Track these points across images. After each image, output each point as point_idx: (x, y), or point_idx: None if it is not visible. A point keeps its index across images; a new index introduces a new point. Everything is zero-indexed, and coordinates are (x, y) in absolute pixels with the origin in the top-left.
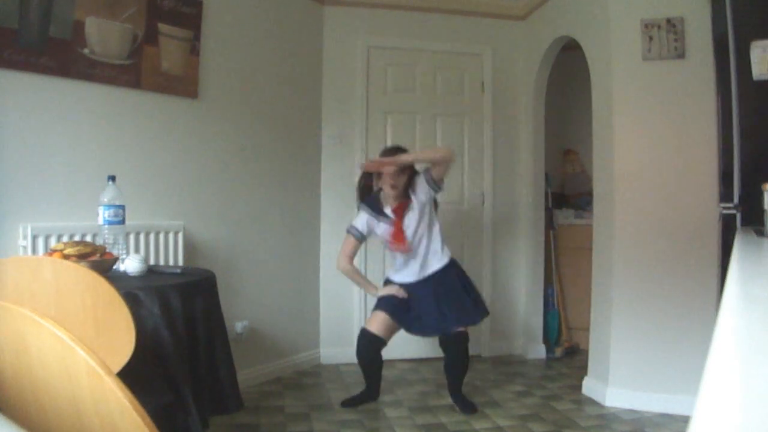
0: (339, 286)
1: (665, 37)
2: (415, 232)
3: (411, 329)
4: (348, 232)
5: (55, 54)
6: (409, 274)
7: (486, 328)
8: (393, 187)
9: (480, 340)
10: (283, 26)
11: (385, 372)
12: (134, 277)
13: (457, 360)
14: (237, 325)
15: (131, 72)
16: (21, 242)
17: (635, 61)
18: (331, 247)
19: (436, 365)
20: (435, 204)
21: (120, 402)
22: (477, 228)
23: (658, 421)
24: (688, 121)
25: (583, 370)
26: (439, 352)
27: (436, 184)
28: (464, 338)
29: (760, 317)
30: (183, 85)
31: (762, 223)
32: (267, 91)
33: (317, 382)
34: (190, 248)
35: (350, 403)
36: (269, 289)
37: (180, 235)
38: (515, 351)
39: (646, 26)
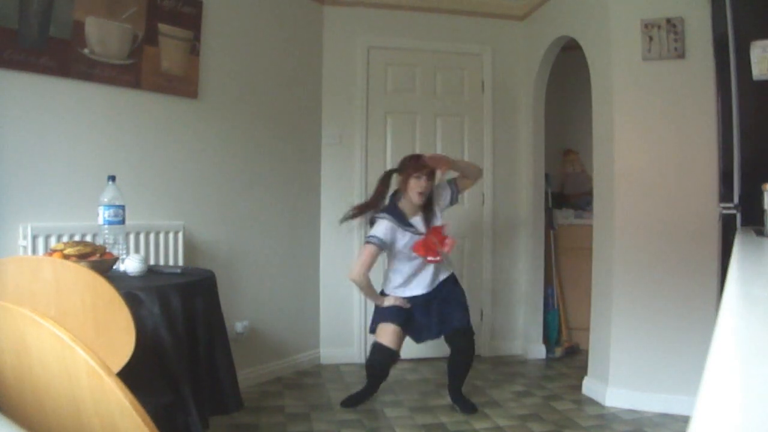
0: (339, 286)
1: (665, 37)
2: None
3: (420, 339)
4: (368, 242)
5: (55, 54)
6: (420, 286)
7: (486, 328)
8: (421, 195)
9: (480, 340)
10: (283, 26)
11: None
12: (134, 277)
13: (463, 354)
14: (237, 325)
15: (131, 72)
16: (21, 242)
17: (635, 61)
18: (331, 247)
19: (436, 365)
20: None
21: (120, 402)
22: (477, 228)
23: (658, 421)
24: (688, 121)
25: (583, 370)
26: (439, 352)
27: (457, 196)
28: (471, 332)
29: (760, 317)
30: (183, 85)
31: (762, 223)
32: (267, 91)
33: (317, 382)
34: (190, 248)
35: (350, 402)
36: (269, 289)
37: (180, 235)
38: (515, 351)
39: (646, 26)
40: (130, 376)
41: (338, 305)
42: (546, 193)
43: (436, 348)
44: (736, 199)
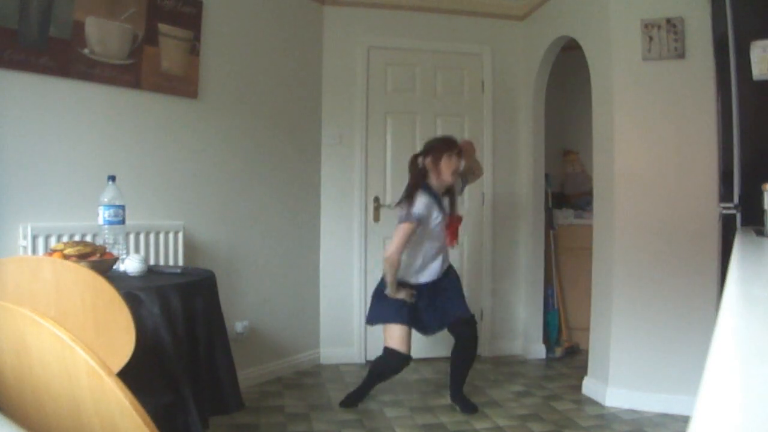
0: (339, 286)
1: (665, 37)
2: None
3: (426, 333)
4: (407, 219)
5: (55, 54)
6: (432, 273)
7: (486, 328)
8: (454, 174)
9: (480, 340)
10: (283, 26)
11: None
12: (134, 277)
13: (468, 342)
14: (237, 325)
15: (131, 72)
16: (21, 242)
17: (635, 61)
18: (331, 247)
19: (436, 365)
20: None
21: (120, 402)
22: (477, 228)
23: (658, 421)
24: (688, 121)
25: (583, 370)
26: (439, 352)
27: (463, 189)
28: (474, 321)
29: (760, 317)
30: (183, 85)
31: (762, 223)
32: (267, 91)
33: (317, 382)
34: (190, 248)
35: (349, 402)
36: (269, 289)
37: (180, 235)
38: (515, 351)
39: (646, 26)
40: (130, 376)
41: (338, 305)
42: (546, 193)
43: (436, 348)
44: (736, 199)
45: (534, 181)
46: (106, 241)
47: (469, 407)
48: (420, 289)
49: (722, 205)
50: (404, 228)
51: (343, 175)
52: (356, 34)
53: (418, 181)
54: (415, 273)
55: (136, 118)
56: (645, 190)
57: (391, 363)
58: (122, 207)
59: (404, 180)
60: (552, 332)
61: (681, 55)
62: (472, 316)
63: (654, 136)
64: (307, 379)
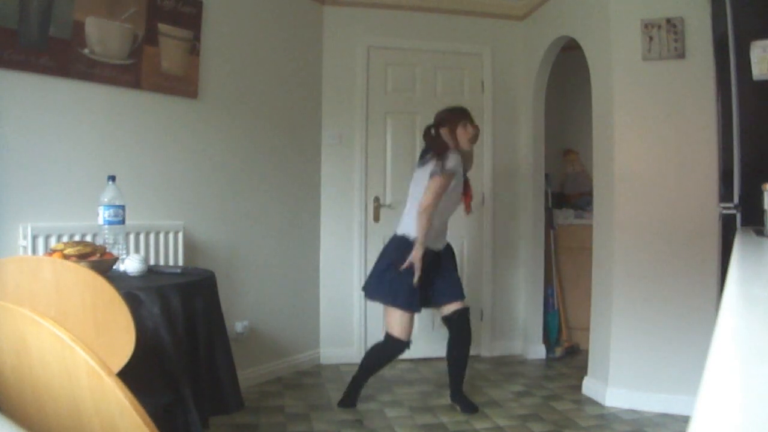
0: (339, 286)
1: (665, 37)
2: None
3: (419, 310)
4: (443, 172)
5: (55, 54)
6: (442, 240)
7: (486, 328)
8: (471, 140)
9: (480, 340)
10: (283, 26)
11: (385, 372)
12: (134, 277)
13: (463, 334)
14: (237, 325)
15: (131, 72)
16: (21, 242)
17: (635, 61)
18: (331, 247)
19: (436, 365)
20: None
21: (120, 402)
22: (477, 228)
23: (658, 421)
24: (688, 121)
25: (583, 370)
26: (439, 353)
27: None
28: (468, 312)
29: (760, 317)
30: (183, 85)
31: (762, 223)
32: (267, 91)
33: (317, 382)
34: (190, 248)
35: (348, 401)
36: (269, 289)
37: (180, 235)
38: (515, 351)
39: (646, 26)
40: (130, 376)
41: (338, 305)
42: (546, 193)
43: (436, 348)
44: (736, 199)
45: (534, 181)
46: (106, 241)
47: (469, 407)
48: (426, 258)
49: (722, 205)
50: (438, 181)
51: (343, 175)
52: (356, 34)
53: (445, 145)
54: (433, 239)
55: (136, 118)
56: (645, 190)
57: (392, 350)
58: (122, 207)
59: (404, 180)
60: (552, 332)
61: (681, 55)
62: (466, 309)
63: (654, 136)
64: (307, 379)
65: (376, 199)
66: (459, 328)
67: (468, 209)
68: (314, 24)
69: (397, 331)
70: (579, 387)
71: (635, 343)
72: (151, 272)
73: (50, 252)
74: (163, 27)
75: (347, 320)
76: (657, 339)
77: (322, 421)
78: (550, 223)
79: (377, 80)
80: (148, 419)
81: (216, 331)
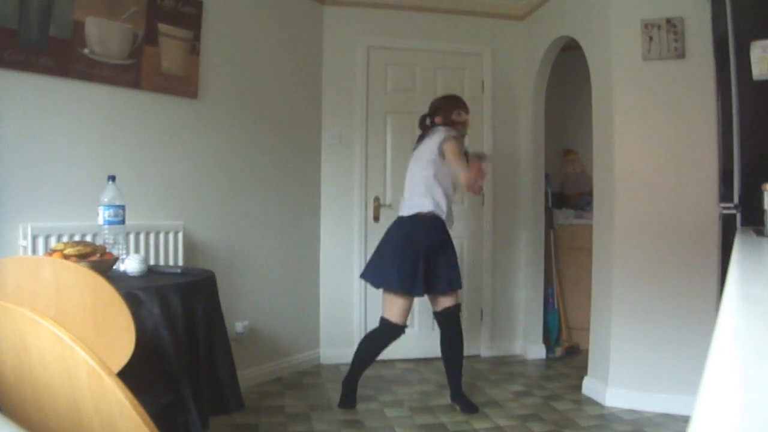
0: (339, 286)
1: (665, 37)
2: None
3: (434, 290)
4: (448, 139)
5: (55, 54)
6: (451, 219)
7: (486, 327)
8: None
9: (480, 340)
10: (283, 26)
11: (385, 372)
12: (134, 277)
13: (453, 332)
14: (237, 325)
15: (131, 72)
16: (21, 242)
17: (635, 61)
18: (331, 247)
19: (436, 365)
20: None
21: (120, 402)
22: (477, 228)
23: (658, 421)
24: (688, 121)
25: (583, 370)
26: (439, 353)
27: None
28: (458, 310)
29: (760, 317)
30: (183, 85)
31: (762, 223)
32: (267, 91)
33: (317, 382)
34: (190, 248)
35: (347, 401)
36: (269, 289)
37: (180, 235)
38: (515, 351)
39: (646, 26)
40: (130, 376)
41: (338, 305)
42: (546, 193)
43: (436, 348)
44: (736, 199)
45: (534, 181)
46: (106, 241)
47: (469, 407)
48: (438, 241)
49: (722, 205)
50: (452, 145)
51: (343, 175)
52: (356, 34)
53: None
54: (447, 217)
55: (136, 118)
56: (645, 190)
57: (389, 335)
58: (122, 207)
59: (404, 180)
60: (552, 332)
61: (681, 55)
62: (457, 306)
63: (654, 136)
64: (307, 379)
65: (376, 199)
66: (449, 326)
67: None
68: (314, 24)
69: (395, 316)
70: (579, 387)
71: (635, 343)
72: (151, 272)
73: (50, 252)
74: (163, 27)
75: (347, 320)
76: (657, 339)
77: (322, 421)
78: (550, 223)
79: (377, 80)
80: (148, 419)
81: (216, 331)
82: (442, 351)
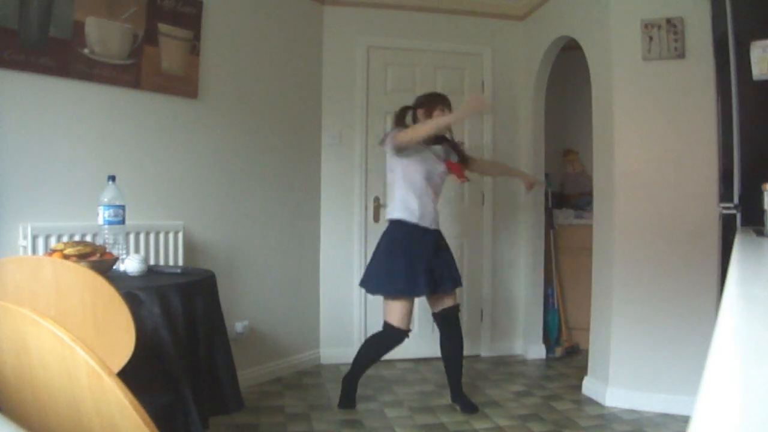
0: (339, 286)
1: (665, 37)
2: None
3: (438, 288)
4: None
5: (55, 54)
6: (430, 218)
7: (486, 328)
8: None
9: (480, 340)
10: (283, 26)
11: (385, 372)
12: (134, 277)
13: (453, 333)
14: (237, 325)
15: (131, 72)
16: (21, 242)
17: (635, 61)
18: (331, 247)
19: (436, 365)
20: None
21: (120, 402)
22: (477, 228)
23: (658, 421)
24: (688, 121)
25: (583, 370)
26: (439, 353)
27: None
28: (458, 310)
29: (760, 317)
30: (183, 85)
31: (762, 223)
32: (267, 91)
33: (317, 382)
34: (190, 248)
35: (347, 401)
36: (269, 289)
37: (180, 235)
38: (515, 351)
39: (646, 26)
40: (130, 376)
41: (338, 305)
42: (546, 193)
43: (436, 348)
44: (736, 199)
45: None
46: (106, 241)
47: (469, 407)
48: (428, 239)
49: (722, 205)
50: (401, 131)
51: (343, 175)
52: (356, 34)
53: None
54: (420, 218)
55: (136, 118)
56: (645, 190)
57: (392, 340)
58: (122, 207)
59: None
60: (552, 332)
61: (681, 55)
62: (456, 307)
63: (654, 136)
64: (307, 379)
65: (376, 199)
66: (449, 327)
67: (460, 177)
68: (314, 24)
69: (396, 320)
70: (579, 387)
71: (635, 343)
72: (151, 272)
73: (50, 252)
74: (163, 27)
75: (347, 320)
76: (657, 339)
77: (322, 421)
78: (550, 223)
79: (377, 80)
80: (148, 419)
81: (216, 331)
82: (442, 352)
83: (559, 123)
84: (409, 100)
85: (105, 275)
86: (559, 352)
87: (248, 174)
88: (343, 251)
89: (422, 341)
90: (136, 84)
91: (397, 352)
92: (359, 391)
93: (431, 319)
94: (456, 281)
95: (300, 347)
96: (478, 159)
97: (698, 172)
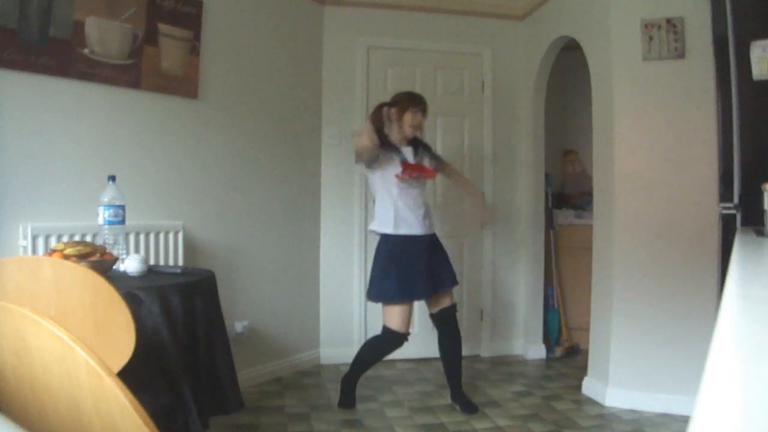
0: (339, 286)
1: (665, 37)
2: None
3: (422, 298)
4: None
5: (55, 54)
6: (417, 223)
7: (486, 328)
8: (415, 128)
9: (480, 340)
10: (283, 26)
11: (385, 372)
12: (134, 277)
13: (451, 333)
14: (237, 325)
15: (131, 72)
16: (21, 242)
17: (635, 61)
18: (331, 247)
19: (436, 365)
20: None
21: (120, 402)
22: (477, 228)
23: (658, 421)
24: (688, 121)
25: (583, 370)
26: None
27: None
28: (455, 310)
29: (760, 317)
30: (183, 85)
31: (762, 223)
32: (267, 91)
33: (317, 382)
34: (190, 248)
35: (346, 401)
36: (269, 289)
37: (180, 235)
38: (515, 351)
39: (646, 26)
40: (130, 376)
41: (338, 305)
42: (546, 193)
43: (436, 348)
44: (736, 199)
45: (534, 181)
46: (106, 241)
47: (469, 407)
48: (415, 244)
49: (722, 205)
50: (356, 138)
51: (343, 175)
52: (356, 34)
53: (381, 120)
54: (404, 221)
55: (136, 118)
56: (645, 190)
57: (390, 344)
58: (122, 207)
59: None
60: (552, 332)
61: (681, 55)
62: (453, 306)
63: (654, 136)
64: (307, 379)
65: None
66: (447, 327)
67: (403, 173)
68: (314, 24)
69: (396, 324)
70: (579, 387)
71: (635, 343)
72: (151, 272)
73: (50, 252)
74: (163, 27)
75: (347, 320)
76: (657, 339)
77: (322, 421)
78: (550, 223)
79: (377, 80)
80: (148, 419)
81: (216, 331)
82: (441, 352)
83: (559, 123)
84: None
85: (105, 275)
86: (559, 352)
87: (248, 174)
88: (343, 251)
89: (422, 341)
90: (136, 84)
91: (397, 352)
92: (359, 391)
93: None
94: (454, 278)
95: (300, 347)
96: (448, 165)
97: (698, 172)
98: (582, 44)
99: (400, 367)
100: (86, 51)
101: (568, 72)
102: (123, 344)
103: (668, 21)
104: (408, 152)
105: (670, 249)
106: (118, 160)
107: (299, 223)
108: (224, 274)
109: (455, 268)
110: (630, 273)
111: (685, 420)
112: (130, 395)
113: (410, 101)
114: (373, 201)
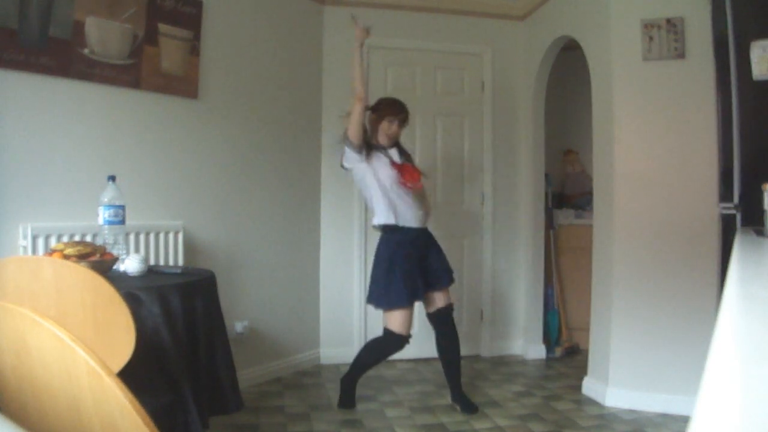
0: (339, 286)
1: (665, 37)
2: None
3: (433, 288)
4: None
5: (55, 54)
6: (414, 218)
7: (486, 328)
8: (389, 138)
9: (480, 340)
10: (283, 26)
11: (385, 372)
12: (134, 277)
13: (448, 333)
14: (237, 325)
15: (131, 72)
16: (21, 242)
17: (635, 61)
18: (331, 247)
19: (436, 365)
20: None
21: (120, 402)
22: (477, 228)
23: (658, 421)
24: (688, 121)
25: (583, 370)
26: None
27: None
28: (451, 310)
29: (760, 317)
30: (183, 85)
31: (762, 223)
32: (267, 91)
33: (317, 382)
34: (190, 248)
35: (346, 401)
36: (269, 289)
37: (180, 235)
38: (515, 351)
39: (646, 26)
40: (130, 376)
41: (338, 305)
42: (546, 193)
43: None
44: (736, 199)
45: (534, 181)
46: (106, 241)
47: (469, 407)
48: (412, 239)
49: (722, 205)
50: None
51: (344, 175)
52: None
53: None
54: (401, 216)
55: (136, 118)
56: (645, 190)
57: (392, 346)
58: (122, 207)
59: None
60: (552, 332)
61: (681, 55)
62: (450, 306)
63: (654, 136)
64: (307, 379)
65: None
66: (444, 327)
67: (407, 182)
68: (314, 24)
69: (397, 326)
70: (579, 387)
71: (635, 343)
72: (151, 272)
73: (50, 252)
74: (163, 27)
75: (347, 320)
76: (657, 339)
77: (322, 421)
78: (550, 223)
79: (377, 80)
80: (148, 419)
81: (216, 331)
82: (439, 352)
83: (559, 123)
84: (409, 101)
85: (105, 275)
86: (559, 352)
87: (248, 174)
88: (343, 251)
89: (422, 342)
90: (136, 84)
91: (397, 353)
92: (359, 391)
93: None
94: (451, 275)
95: (300, 347)
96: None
97: (698, 172)
98: (582, 44)
99: (400, 367)
100: (86, 51)
101: (568, 72)
102: (123, 344)
103: (668, 21)
104: (394, 153)
105: (670, 249)
106: (118, 160)
107: (299, 223)
108: (224, 274)
109: (455, 268)
110: (630, 273)
111: (685, 420)
112: (130, 395)
113: (389, 110)
114: (365, 203)
